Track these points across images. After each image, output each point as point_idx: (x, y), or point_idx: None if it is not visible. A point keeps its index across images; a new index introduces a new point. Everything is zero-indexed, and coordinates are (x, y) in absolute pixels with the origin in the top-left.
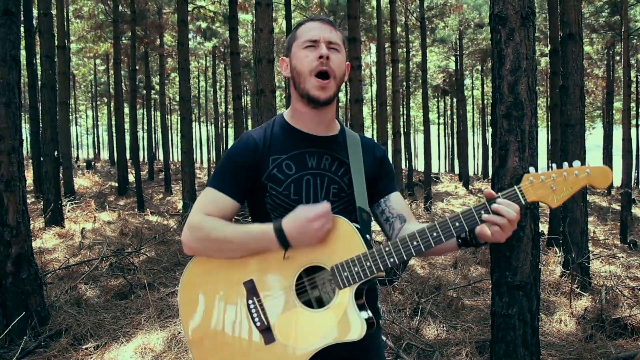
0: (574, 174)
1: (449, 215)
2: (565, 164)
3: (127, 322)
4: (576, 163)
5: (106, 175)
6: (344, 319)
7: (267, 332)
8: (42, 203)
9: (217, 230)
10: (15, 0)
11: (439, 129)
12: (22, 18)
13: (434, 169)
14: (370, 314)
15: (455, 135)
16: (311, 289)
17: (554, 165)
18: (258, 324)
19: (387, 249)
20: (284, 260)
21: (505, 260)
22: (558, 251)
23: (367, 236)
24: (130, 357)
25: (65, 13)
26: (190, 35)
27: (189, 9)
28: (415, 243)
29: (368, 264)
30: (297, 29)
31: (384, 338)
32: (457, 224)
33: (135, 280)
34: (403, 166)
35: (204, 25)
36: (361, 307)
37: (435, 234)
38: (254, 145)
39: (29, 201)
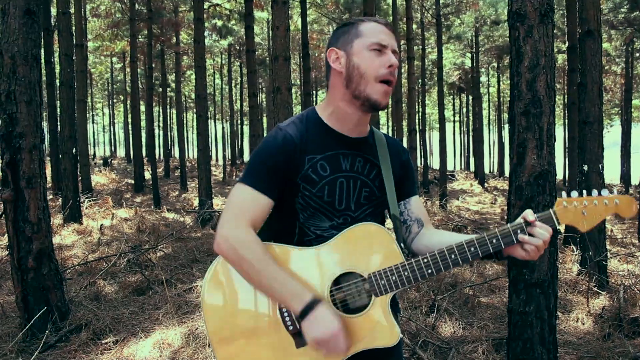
0: (604, 203)
1: (487, 233)
2: (595, 192)
3: (145, 318)
4: (605, 192)
5: (123, 172)
6: (379, 325)
7: (298, 336)
8: (60, 200)
9: (256, 261)
10: (36, 0)
11: (454, 127)
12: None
13: (450, 167)
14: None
15: (471, 133)
16: (343, 294)
17: (584, 192)
18: (290, 327)
19: (425, 260)
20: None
21: None
22: (575, 249)
23: (401, 244)
24: (148, 352)
25: (82, 12)
26: (206, 33)
27: (205, 7)
28: (453, 256)
29: (406, 273)
30: (358, 25)
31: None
32: (494, 241)
33: (152, 277)
34: (419, 164)
35: (219, 23)
36: (394, 313)
37: (473, 249)
38: (292, 143)
39: (48, 198)
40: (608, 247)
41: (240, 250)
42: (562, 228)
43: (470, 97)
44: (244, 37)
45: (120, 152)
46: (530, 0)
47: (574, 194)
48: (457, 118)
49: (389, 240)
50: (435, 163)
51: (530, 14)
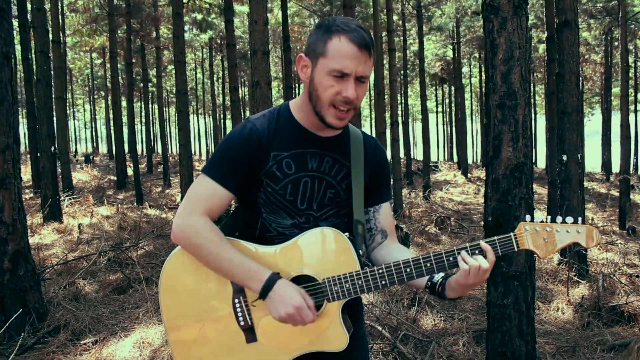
0: (566, 231)
1: (444, 250)
2: (559, 219)
3: (125, 317)
4: (569, 219)
5: (105, 169)
6: (328, 330)
7: (249, 331)
8: (40, 199)
9: (212, 245)
10: None
11: (437, 118)
12: (17, 13)
13: (433, 158)
14: (350, 324)
15: (454, 124)
16: None
17: (549, 218)
18: (242, 322)
19: (380, 271)
20: (251, 305)
21: None
22: None
23: (360, 251)
24: (128, 352)
25: (60, 7)
26: (186, 28)
27: (185, 0)
28: (408, 270)
29: (360, 282)
30: (329, 38)
31: (379, 328)
32: (451, 259)
33: (133, 275)
34: (402, 155)
35: (199, 17)
36: (345, 320)
37: (429, 264)
38: (257, 137)
39: (28, 197)
40: None
41: (195, 238)
42: (543, 218)
43: (453, 88)
44: (225, 31)
45: (103, 148)
46: None
47: (538, 217)
48: (440, 109)
49: (347, 247)
50: (418, 154)
51: (504, 6)
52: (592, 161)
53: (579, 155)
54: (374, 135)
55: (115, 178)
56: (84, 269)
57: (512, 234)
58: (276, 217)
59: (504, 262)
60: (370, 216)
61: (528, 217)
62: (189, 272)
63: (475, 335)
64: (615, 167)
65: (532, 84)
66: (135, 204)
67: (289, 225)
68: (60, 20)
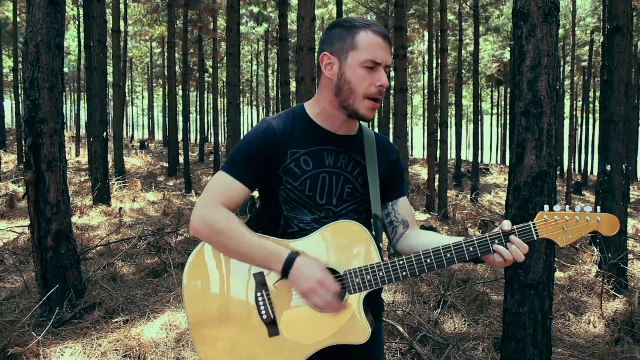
0: (585, 219)
1: (464, 239)
2: (578, 207)
3: (157, 299)
4: (587, 208)
5: (158, 155)
6: (350, 323)
7: (272, 325)
8: (91, 182)
9: (231, 232)
10: None
11: (492, 119)
12: (82, 2)
13: (486, 160)
14: (371, 317)
15: (507, 126)
16: None
17: (567, 207)
18: (264, 316)
19: (401, 262)
20: (273, 286)
21: None
22: (596, 250)
23: (380, 244)
24: (156, 333)
25: None
26: (242, 20)
27: None
28: (428, 261)
29: (381, 274)
30: (356, 32)
31: (400, 328)
32: (471, 249)
33: (169, 260)
34: (452, 156)
35: (255, 9)
36: (367, 312)
37: (449, 255)
38: (273, 135)
39: (83, 179)
40: (638, 247)
41: (215, 225)
42: None
43: (509, 90)
44: (279, 25)
45: (158, 135)
46: None
47: (557, 207)
48: (495, 111)
49: (367, 239)
50: (471, 156)
51: (534, 13)
52: None
53: (623, 166)
54: (425, 135)
55: (167, 165)
56: (123, 252)
57: (530, 222)
58: (297, 213)
59: (521, 270)
60: (390, 210)
61: (546, 207)
62: (212, 268)
63: (496, 342)
64: None
65: (592, 90)
66: (184, 191)
67: (309, 220)
68: (123, 10)
